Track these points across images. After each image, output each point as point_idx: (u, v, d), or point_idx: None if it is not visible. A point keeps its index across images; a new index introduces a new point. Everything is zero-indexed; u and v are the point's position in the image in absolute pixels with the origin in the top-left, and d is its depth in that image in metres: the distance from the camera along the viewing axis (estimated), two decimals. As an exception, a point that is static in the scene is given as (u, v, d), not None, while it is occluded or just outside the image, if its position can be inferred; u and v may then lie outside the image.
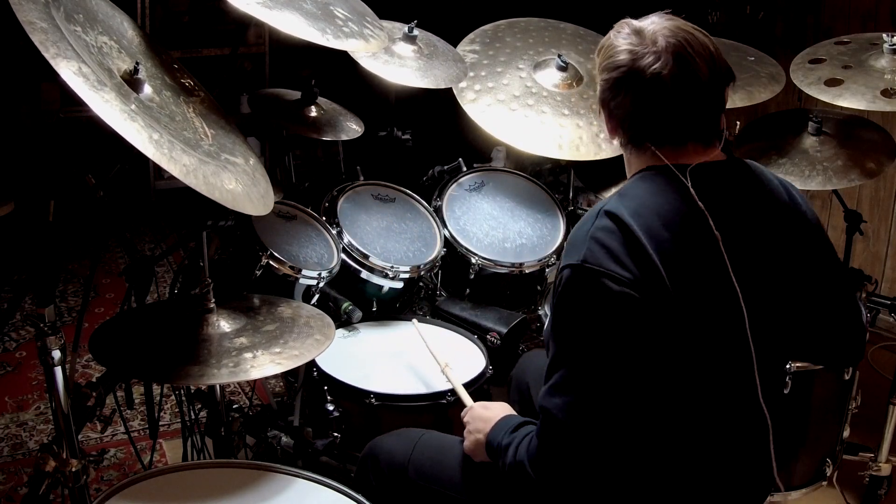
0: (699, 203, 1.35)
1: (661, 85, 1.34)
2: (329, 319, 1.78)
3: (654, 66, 1.34)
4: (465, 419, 1.64)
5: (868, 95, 2.22)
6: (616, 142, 1.47)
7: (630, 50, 1.36)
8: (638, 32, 1.38)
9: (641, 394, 1.33)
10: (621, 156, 1.52)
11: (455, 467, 1.61)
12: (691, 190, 1.35)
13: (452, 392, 1.96)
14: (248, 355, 1.57)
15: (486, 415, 1.59)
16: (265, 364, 1.55)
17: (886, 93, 2.21)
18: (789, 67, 2.47)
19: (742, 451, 1.44)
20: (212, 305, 1.67)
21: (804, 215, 1.48)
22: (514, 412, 1.59)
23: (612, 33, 1.42)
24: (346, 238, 2.34)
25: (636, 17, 1.45)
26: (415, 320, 2.20)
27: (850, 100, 2.24)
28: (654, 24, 1.38)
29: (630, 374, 1.31)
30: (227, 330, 1.65)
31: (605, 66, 1.40)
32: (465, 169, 2.72)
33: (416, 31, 2.46)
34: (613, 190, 2.69)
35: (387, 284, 2.35)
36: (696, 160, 1.39)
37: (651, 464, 1.38)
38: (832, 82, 2.29)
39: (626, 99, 1.38)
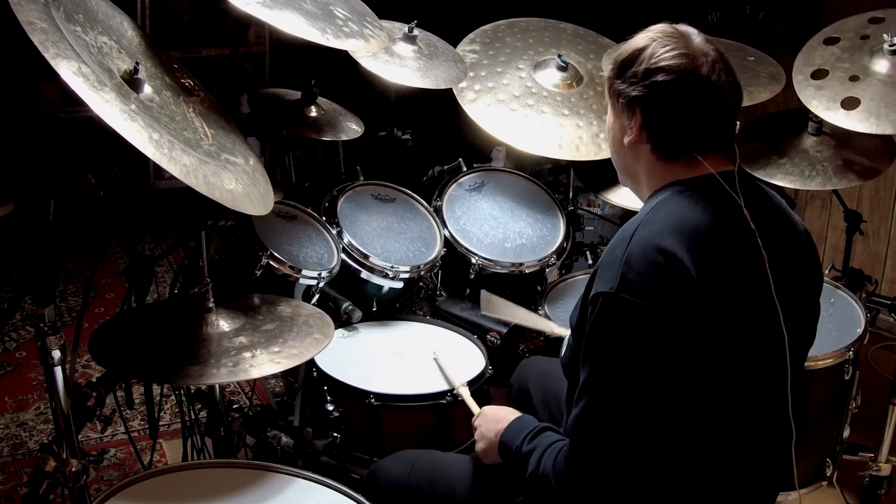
0: (747, 214, 1.33)
1: (718, 92, 1.33)
2: (328, 318, 1.78)
3: (713, 74, 1.32)
4: (475, 423, 1.64)
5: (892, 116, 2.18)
6: (632, 151, 1.41)
7: (686, 54, 1.32)
8: (684, 37, 1.35)
9: (676, 415, 1.31)
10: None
11: (452, 487, 1.62)
12: (741, 202, 1.33)
13: (452, 392, 1.96)
14: (248, 355, 1.57)
15: (498, 415, 1.58)
16: (264, 363, 1.55)
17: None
18: (790, 71, 2.46)
19: (765, 460, 1.44)
20: (211, 305, 1.67)
21: (810, 239, 1.48)
22: (515, 413, 1.59)
23: (653, 36, 1.36)
24: (346, 238, 2.34)
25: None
26: (434, 353, 2.17)
27: (875, 124, 2.19)
28: (691, 31, 1.36)
29: (665, 402, 1.28)
30: (227, 329, 1.65)
31: (653, 68, 1.33)
32: (465, 169, 2.72)
33: (416, 32, 2.46)
34: (614, 190, 2.71)
35: (387, 284, 2.35)
36: (724, 169, 1.37)
37: (673, 474, 1.37)
38: (849, 103, 2.26)
39: (678, 103, 1.33)
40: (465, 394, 1.92)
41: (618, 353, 1.27)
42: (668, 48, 1.33)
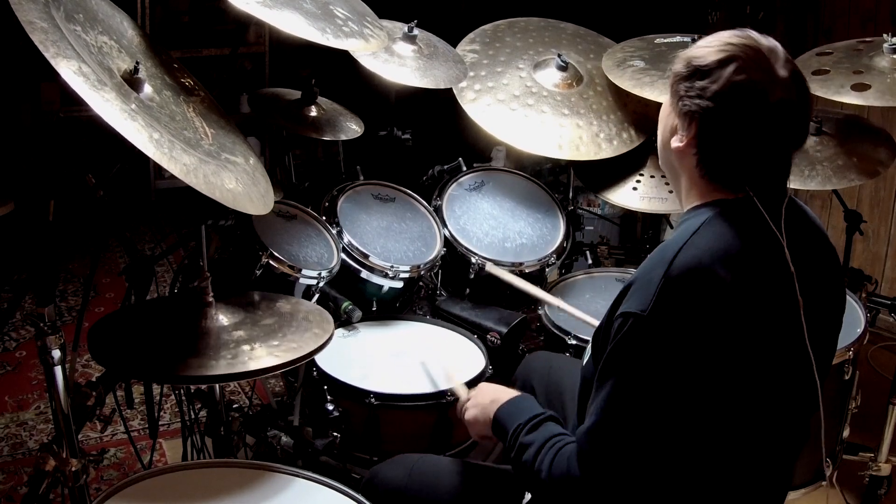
0: (784, 246, 1.29)
1: (785, 134, 1.27)
2: (328, 314, 1.77)
3: (785, 115, 1.25)
4: (470, 394, 1.62)
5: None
6: (678, 154, 1.34)
7: (765, 90, 1.24)
8: (769, 66, 1.25)
9: (695, 439, 1.29)
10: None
11: (452, 491, 1.61)
12: (782, 238, 1.29)
13: (452, 392, 1.96)
14: (246, 347, 1.56)
15: (496, 391, 1.56)
16: (263, 356, 1.55)
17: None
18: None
19: (778, 473, 1.44)
20: (210, 299, 1.67)
21: (840, 264, 1.47)
22: (512, 392, 1.56)
23: (738, 52, 1.25)
24: (346, 238, 2.34)
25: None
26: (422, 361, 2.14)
27: (892, 100, 2.19)
28: (778, 57, 1.27)
29: (683, 428, 1.27)
30: (226, 323, 1.65)
31: (726, 92, 1.24)
32: (465, 169, 2.72)
33: (416, 31, 2.46)
34: (614, 190, 2.71)
35: (387, 284, 2.35)
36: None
37: (681, 490, 1.35)
38: (860, 87, 2.26)
39: (739, 138, 1.26)
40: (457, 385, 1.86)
41: (642, 377, 1.24)
42: (747, 76, 1.23)
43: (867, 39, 2.45)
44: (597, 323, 1.42)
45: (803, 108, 1.28)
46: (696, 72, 1.28)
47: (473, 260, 2.48)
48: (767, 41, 1.28)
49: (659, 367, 1.23)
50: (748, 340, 1.27)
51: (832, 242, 1.46)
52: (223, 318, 1.66)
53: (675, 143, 1.33)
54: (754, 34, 1.29)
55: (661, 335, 1.23)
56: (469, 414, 1.58)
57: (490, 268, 2.36)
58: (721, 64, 1.25)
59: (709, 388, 1.25)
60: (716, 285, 1.23)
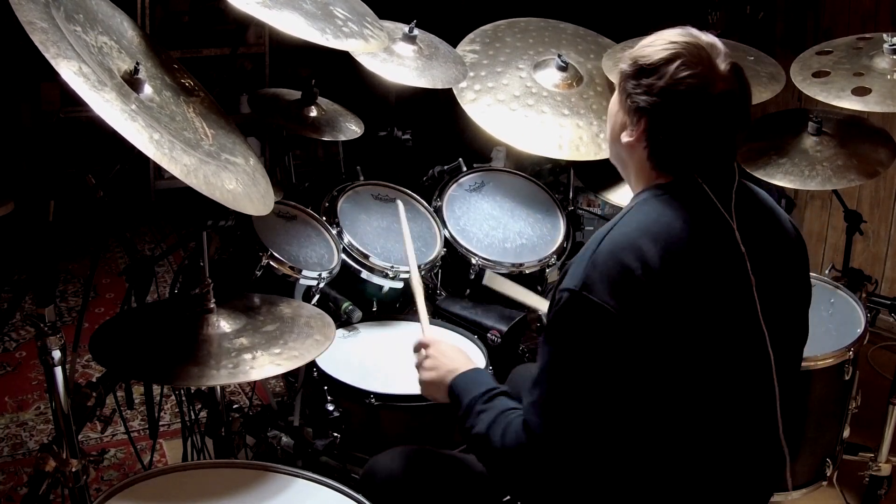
0: (734, 225, 1.33)
1: (728, 124, 1.32)
2: (329, 319, 1.78)
3: (727, 105, 1.31)
4: (428, 351, 1.62)
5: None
6: (628, 147, 1.39)
7: (705, 85, 1.30)
8: (709, 60, 1.31)
9: (645, 415, 1.31)
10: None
11: (450, 482, 1.62)
12: (731, 218, 1.32)
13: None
14: (248, 356, 1.57)
15: (454, 354, 1.60)
16: (264, 365, 1.55)
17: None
18: (789, 70, 2.46)
19: (752, 463, 1.44)
20: (212, 306, 1.67)
21: (802, 243, 1.48)
22: (471, 361, 1.59)
23: (680, 51, 1.31)
24: (347, 238, 2.34)
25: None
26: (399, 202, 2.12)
27: (892, 105, 2.20)
28: (717, 51, 1.33)
29: (625, 401, 1.29)
30: (227, 330, 1.65)
31: (671, 89, 1.30)
32: (465, 169, 2.72)
33: (416, 32, 2.45)
34: (614, 190, 2.71)
35: (387, 284, 2.35)
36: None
37: (647, 475, 1.36)
38: (860, 91, 2.26)
39: (685, 129, 1.32)
40: (419, 293, 1.84)
41: (572, 350, 1.29)
42: (691, 72, 1.29)
43: (867, 36, 2.45)
44: None
45: (743, 97, 1.35)
46: (643, 70, 1.34)
47: (473, 260, 2.48)
48: (707, 38, 1.35)
49: (591, 340, 1.27)
50: (685, 316, 1.28)
51: (790, 226, 1.48)
52: (224, 325, 1.66)
53: (626, 137, 1.39)
54: (695, 32, 1.36)
55: (589, 309, 1.26)
56: (425, 375, 1.60)
57: (488, 280, 2.34)
58: (666, 62, 1.31)
59: (646, 358, 1.27)
60: (642, 259, 1.27)
